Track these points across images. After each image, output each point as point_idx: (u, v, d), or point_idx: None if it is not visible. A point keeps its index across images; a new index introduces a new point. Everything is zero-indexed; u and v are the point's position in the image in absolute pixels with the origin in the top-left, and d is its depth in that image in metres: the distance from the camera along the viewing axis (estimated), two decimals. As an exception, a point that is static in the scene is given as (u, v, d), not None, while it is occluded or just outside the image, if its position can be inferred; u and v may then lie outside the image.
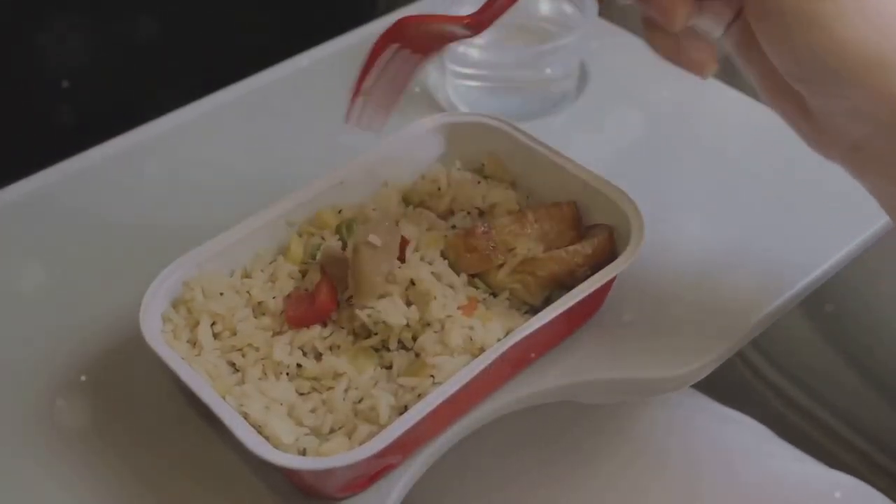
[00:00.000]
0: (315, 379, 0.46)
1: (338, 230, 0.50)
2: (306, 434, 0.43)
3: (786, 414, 0.83)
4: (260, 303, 0.48)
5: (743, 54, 0.42)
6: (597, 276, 0.46)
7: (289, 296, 0.48)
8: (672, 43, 0.42)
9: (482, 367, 0.43)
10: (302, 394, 0.45)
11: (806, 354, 0.80)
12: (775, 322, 0.52)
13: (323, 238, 0.50)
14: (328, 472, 0.41)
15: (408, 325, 0.46)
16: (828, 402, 0.80)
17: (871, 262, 0.65)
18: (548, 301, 0.47)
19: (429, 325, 0.46)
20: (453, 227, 0.51)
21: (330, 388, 0.45)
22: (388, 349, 0.46)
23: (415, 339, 0.46)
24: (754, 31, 0.39)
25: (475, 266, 0.48)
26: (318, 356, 0.46)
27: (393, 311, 0.45)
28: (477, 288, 0.48)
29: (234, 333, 0.47)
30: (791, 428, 0.78)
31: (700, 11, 0.41)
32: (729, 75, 0.80)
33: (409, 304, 0.47)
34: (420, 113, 0.62)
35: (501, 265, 0.48)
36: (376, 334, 0.46)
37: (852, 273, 0.58)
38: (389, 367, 0.46)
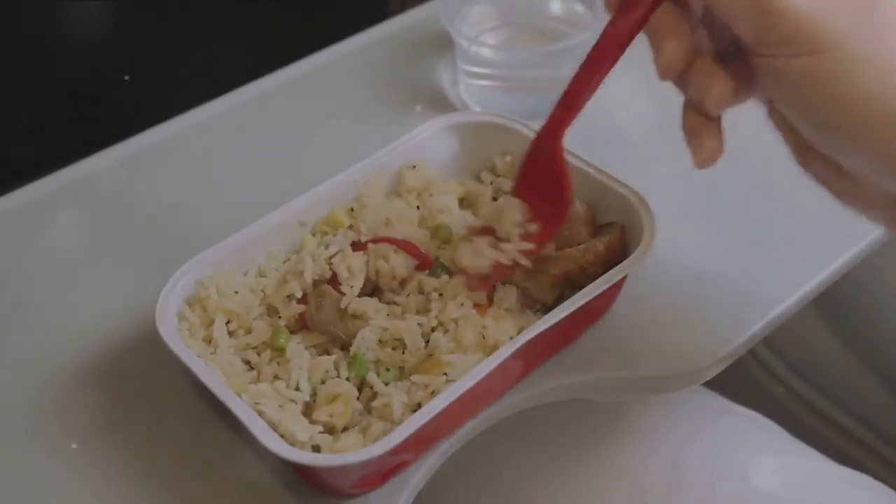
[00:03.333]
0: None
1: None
2: (320, 432, 0.44)
3: (797, 412, 0.83)
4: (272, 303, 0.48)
5: (777, 124, 0.42)
6: (608, 274, 0.46)
7: (303, 296, 0.48)
8: (698, 122, 0.42)
9: (495, 364, 0.43)
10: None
11: (818, 352, 0.80)
12: (787, 320, 0.52)
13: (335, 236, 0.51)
14: (342, 469, 0.42)
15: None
16: (839, 400, 0.80)
17: (883, 261, 0.64)
18: (560, 299, 0.47)
19: (441, 324, 0.46)
20: None
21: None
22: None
23: (427, 341, 0.46)
24: (768, 94, 0.39)
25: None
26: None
27: (408, 330, 0.46)
28: None
29: (249, 332, 0.47)
30: (803, 426, 0.78)
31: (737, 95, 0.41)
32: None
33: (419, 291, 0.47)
34: (433, 112, 0.62)
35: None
36: (394, 349, 0.46)
37: (863, 272, 0.58)
38: (402, 366, 0.46)
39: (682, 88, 0.42)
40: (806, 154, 0.42)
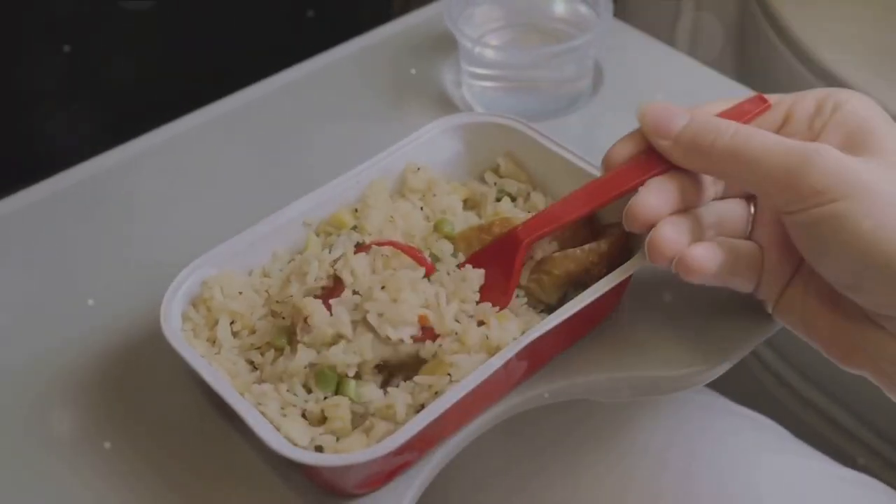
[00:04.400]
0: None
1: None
2: (322, 434, 0.44)
3: (799, 412, 0.83)
4: (277, 302, 0.48)
5: (803, 324, 0.46)
6: (612, 274, 0.46)
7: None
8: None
9: (498, 365, 0.43)
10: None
11: (820, 353, 0.80)
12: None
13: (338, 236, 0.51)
14: (346, 469, 0.42)
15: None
16: (841, 400, 0.80)
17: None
18: (563, 299, 0.47)
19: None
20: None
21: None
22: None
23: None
24: (801, 251, 0.42)
25: None
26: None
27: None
28: None
29: (253, 332, 0.48)
30: (805, 426, 0.78)
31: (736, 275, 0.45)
32: (743, 76, 0.80)
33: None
34: (436, 113, 0.62)
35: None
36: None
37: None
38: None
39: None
40: (847, 351, 0.44)
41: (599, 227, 0.51)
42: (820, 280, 0.43)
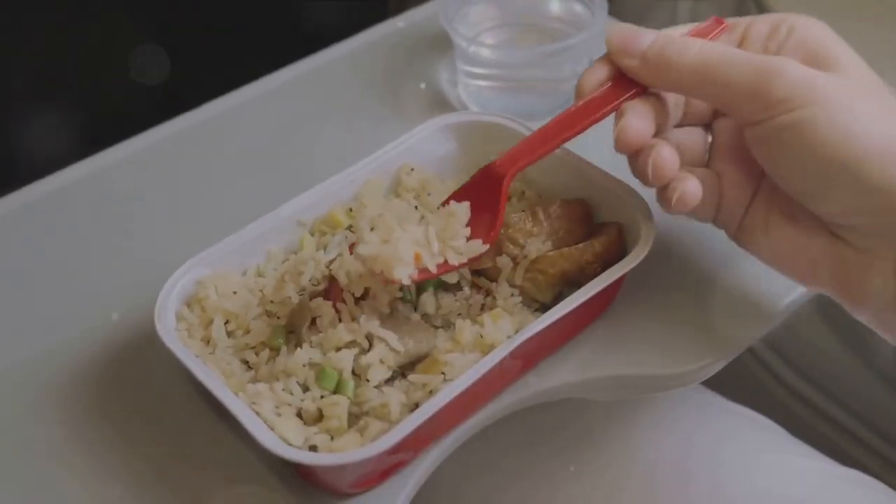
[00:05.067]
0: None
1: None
2: (316, 433, 0.44)
3: (797, 411, 0.83)
4: (273, 301, 0.48)
5: (767, 245, 0.46)
6: (606, 273, 0.46)
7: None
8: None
9: (492, 364, 0.43)
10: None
11: (817, 351, 0.80)
12: (787, 319, 0.52)
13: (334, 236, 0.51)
14: (340, 468, 0.42)
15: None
16: (839, 399, 0.80)
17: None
18: (558, 298, 0.47)
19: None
20: None
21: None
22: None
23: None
24: (763, 163, 0.44)
25: (483, 261, 0.48)
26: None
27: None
28: (479, 287, 0.48)
29: (248, 332, 0.48)
30: (803, 425, 0.78)
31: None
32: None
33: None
34: (431, 112, 0.62)
35: (514, 264, 0.48)
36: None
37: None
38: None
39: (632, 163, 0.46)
40: (810, 269, 0.45)
41: (594, 226, 0.51)
42: (781, 198, 0.44)
